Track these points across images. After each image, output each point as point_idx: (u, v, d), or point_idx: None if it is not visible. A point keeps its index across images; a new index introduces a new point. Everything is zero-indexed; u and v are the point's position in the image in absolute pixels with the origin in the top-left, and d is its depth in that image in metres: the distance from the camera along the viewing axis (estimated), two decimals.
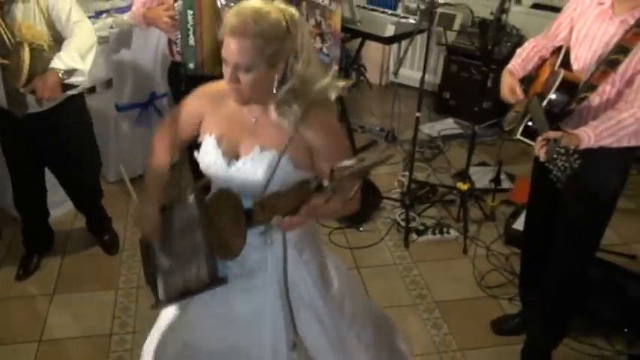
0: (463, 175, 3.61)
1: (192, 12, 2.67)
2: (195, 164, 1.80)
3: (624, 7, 2.10)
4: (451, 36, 4.88)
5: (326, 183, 1.44)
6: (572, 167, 1.88)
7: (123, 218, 3.45)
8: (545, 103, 2.24)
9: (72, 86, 2.64)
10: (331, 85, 1.68)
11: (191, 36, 2.71)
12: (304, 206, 1.52)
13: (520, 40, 4.46)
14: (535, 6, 4.70)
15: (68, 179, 3.05)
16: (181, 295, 1.76)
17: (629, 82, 2.10)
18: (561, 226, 2.38)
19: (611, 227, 3.43)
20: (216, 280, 1.69)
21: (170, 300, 1.81)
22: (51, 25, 2.61)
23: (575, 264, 2.41)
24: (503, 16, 4.64)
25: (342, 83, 1.73)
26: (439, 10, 4.93)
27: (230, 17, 1.54)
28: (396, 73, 3.14)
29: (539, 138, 2.02)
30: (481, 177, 3.87)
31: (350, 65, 4.99)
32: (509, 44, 4.44)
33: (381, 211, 3.62)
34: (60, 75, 2.55)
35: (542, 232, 2.51)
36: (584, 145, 2.02)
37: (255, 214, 1.58)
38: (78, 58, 2.60)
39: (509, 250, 3.27)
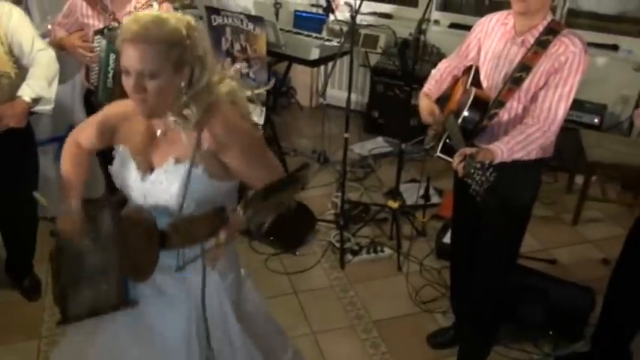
0: (393, 193, 3.73)
1: (114, 56, 2.70)
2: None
3: (525, 27, 2.28)
4: (376, 57, 5.06)
5: (241, 212, 1.47)
6: (488, 181, 2.03)
7: (44, 261, 3.36)
8: (460, 120, 2.39)
9: (34, 114, 2.63)
10: (233, 89, 1.72)
11: (110, 79, 2.75)
12: (226, 235, 1.54)
13: (440, 59, 4.67)
14: (452, 25, 4.95)
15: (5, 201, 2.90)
16: (90, 312, 1.73)
17: (534, 98, 2.27)
18: (483, 237, 2.53)
19: (531, 234, 3.69)
20: (124, 303, 1.68)
21: (78, 317, 1.77)
22: (10, 52, 2.60)
23: (498, 273, 2.57)
24: (424, 36, 4.92)
25: (248, 91, 1.79)
26: (363, 31, 5.14)
27: (129, 24, 1.54)
28: (322, 95, 3.24)
29: (457, 154, 2.15)
30: (412, 193, 4.02)
31: (279, 89, 5.11)
32: (430, 63, 4.65)
33: (316, 234, 3.70)
34: (28, 103, 2.54)
35: (467, 245, 2.65)
36: (498, 160, 2.17)
37: (169, 236, 1.59)
38: (46, 85, 2.61)
39: (441, 263, 3.42)
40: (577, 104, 4.33)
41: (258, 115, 3.98)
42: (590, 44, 4.42)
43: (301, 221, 3.59)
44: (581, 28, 4.73)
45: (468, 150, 2.13)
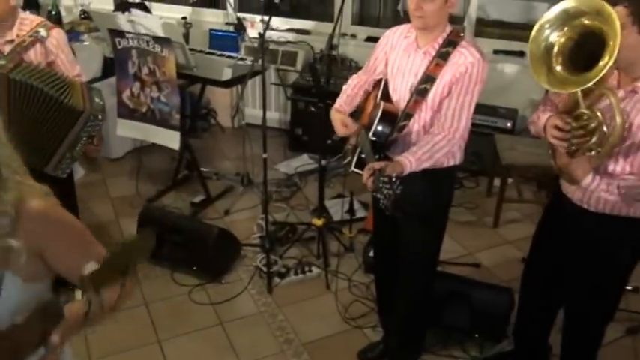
0: (318, 211, 3.77)
1: None
2: None
3: (426, 39, 2.39)
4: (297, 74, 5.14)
5: (79, 295, 1.25)
6: (395, 194, 2.10)
7: None
8: (371, 134, 2.46)
9: None
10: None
11: None
12: (62, 331, 1.28)
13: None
14: (369, 39, 5.07)
15: None
16: None
17: (439, 108, 2.36)
18: (402, 247, 2.62)
19: (455, 240, 3.81)
20: None
21: None
22: None
23: (420, 282, 2.68)
24: (341, 51, 5.01)
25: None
26: (281, 49, 5.20)
27: None
28: (234, 117, 3.24)
29: (365, 169, 2.22)
30: (338, 209, 4.07)
31: (198, 111, 5.08)
32: (348, 77, 4.74)
33: (242, 259, 3.71)
34: None
35: (390, 257, 2.72)
36: (407, 171, 2.26)
37: None
38: None
39: (370, 278, 3.50)
40: (491, 110, 4.54)
41: (172, 140, 3.95)
42: (500, 52, 4.72)
43: (224, 248, 3.56)
44: (489, 36, 4.98)
45: (377, 164, 2.21)
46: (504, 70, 4.66)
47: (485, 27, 5.19)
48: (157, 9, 5.84)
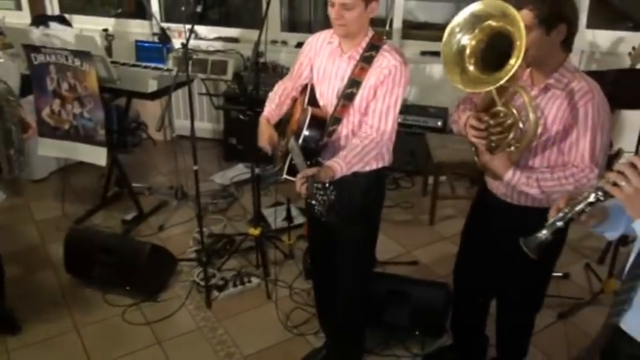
0: (254, 220, 3.82)
1: None
2: None
3: (349, 44, 2.49)
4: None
5: None
6: (329, 200, 2.19)
7: None
8: (300, 140, 2.54)
9: None
10: None
11: None
12: None
13: None
14: (300, 45, 5.14)
15: None
16: None
17: (366, 111, 2.46)
18: (338, 250, 2.72)
19: (393, 239, 3.93)
20: None
21: None
22: None
23: (358, 283, 2.77)
24: (272, 58, 5.09)
25: None
26: (211, 58, 5.24)
27: None
28: (159, 130, 3.24)
29: (298, 177, 2.29)
30: (276, 217, 4.12)
31: (126, 125, 5.05)
32: None
33: (178, 275, 3.72)
34: None
35: (326, 261, 2.81)
36: (338, 175, 2.35)
37: None
38: None
39: (310, 284, 3.56)
40: (422, 110, 4.71)
41: (99, 157, 3.93)
42: (427, 53, 4.88)
43: (158, 265, 3.57)
44: (418, 38, 5.15)
45: (309, 171, 2.28)
46: (433, 71, 4.85)
47: (414, 29, 5.37)
48: (79, 21, 5.79)
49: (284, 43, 5.41)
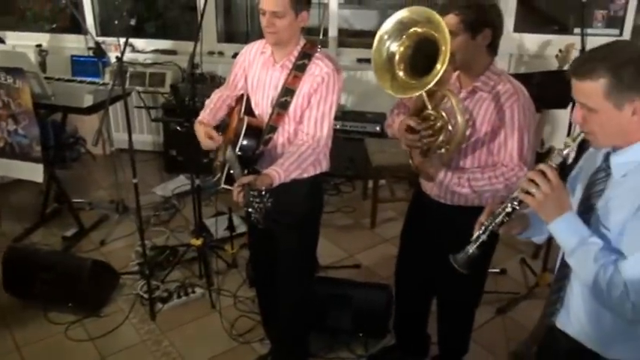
0: (196, 231, 3.76)
1: None
2: None
3: (281, 54, 2.49)
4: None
5: None
6: (266, 207, 2.17)
7: None
8: (237, 149, 2.51)
9: None
10: None
11: None
12: None
13: None
14: (236, 55, 5.09)
15: None
16: None
17: (301, 119, 2.46)
18: (279, 257, 2.71)
19: (336, 244, 3.93)
20: None
21: None
22: None
23: (300, 288, 2.77)
24: (209, 69, 5.04)
25: None
26: (148, 70, 5.15)
27: None
28: (95, 144, 3.15)
29: (235, 185, 2.27)
30: (219, 227, 4.07)
31: (64, 140, 4.92)
32: None
33: (121, 289, 3.63)
34: None
35: (268, 268, 2.81)
36: (276, 182, 2.34)
37: None
38: None
39: (254, 292, 3.49)
40: (360, 116, 4.75)
41: (35, 173, 3.80)
42: (363, 60, 4.92)
43: (100, 280, 3.47)
44: (353, 45, 5.18)
45: (246, 179, 2.26)
46: (369, 77, 4.87)
47: (350, 37, 5.42)
48: (13, 38, 5.60)
49: (221, 53, 5.37)
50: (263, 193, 2.18)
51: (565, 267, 1.74)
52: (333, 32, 5.05)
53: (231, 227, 3.92)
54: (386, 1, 6.01)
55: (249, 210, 2.20)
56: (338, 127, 4.71)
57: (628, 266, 1.53)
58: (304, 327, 2.87)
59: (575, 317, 1.79)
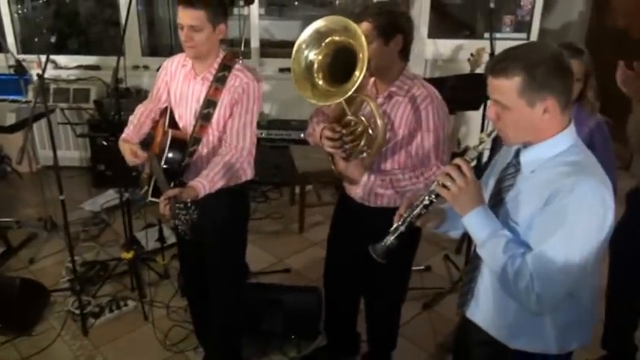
0: (127, 244, 3.63)
1: None
2: None
3: (202, 66, 2.43)
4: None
5: None
6: (191, 218, 2.11)
7: None
8: (163, 162, 2.43)
9: None
10: None
11: None
12: None
13: None
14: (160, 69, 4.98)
15: None
16: None
17: (224, 129, 2.40)
18: (208, 265, 2.65)
19: (265, 250, 3.88)
20: None
21: None
22: None
23: (230, 295, 2.71)
24: (134, 83, 4.89)
25: None
26: (72, 86, 4.95)
27: None
28: (19, 162, 2.99)
29: (161, 199, 2.19)
30: (150, 239, 3.95)
31: None
32: None
33: (52, 307, 3.45)
34: None
35: (198, 276, 2.75)
36: (202, 194, 2.28)
37: None
38: None
39: (187, 301, 3.39)
40: (284, 124, 4.72)
41: None
42: (286, 69, 4.89)
43: (30, 298, 3.29)
44: (275, 56, 5.15)
45: (171, 192, 2.21)
46: (292, 86, 4.81)
47: (271, 48, 5.38)
48: None
49: (146, 67, 5.23)
50: (189, 205, 2.15)
51: (476, 259, 1.77)
52: (255, 43, 5.01)
53: (161, 238, 3.81)
54: (306, 12, 6.02)
55: (176, 222, 2.15)
56: (263, 135, 4.67)
57: (534, 258, 1.56)
58: (236, 333, 2.81)
59: (483, 307, 1.82)
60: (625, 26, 5.38)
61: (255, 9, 4.93)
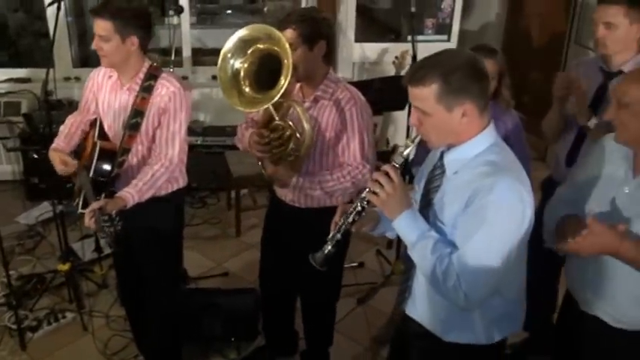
0: (63, 255, 3.50)
1: None
2: None
3: (127, 77, 2.37)
4: None
5: None
6: (116, 231, 2.06)
7: None
8: (92, 174, 2.36)
9: None
10: None
11: None
12: None
13: None
14: None
15: None
16: None
17: (153, 139, 2.35)
18: (143, 273, 2.60)
19: (203, 255, 3.82)
20: None
21: None
22: None
23: (166, 302, 2.66)
24: (66, 94, 4.72)
25: None
26: (2, 100, 4.73)
27: None
28: None
29: (87, 211, 2.12)
30: (87, 249, 3.82)
31: None
32: None
33: None
34: None
35: (134, 285, 2.69)
36: (130, 204, 2.23)
37: None
38: None
39: None
40: (219, 130, 4.66)
41: None
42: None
43: None
44: (206, 64, 5.08)
45: (96, 204, 2.17)
46: (220, 94, 4.79)
47: (204, 56, 5.30)
48: None
49: (77, 79, 5.04)
50: (113, 217, 2.10)
51: (411, 259, 1.79)
52: (187, 52, 4.92)
53: (98, 249, 3.71)
54: (237, 20, 5.97)
55: (102, 235, 2.11)
56: (199, 142, 4.60)
57: (459, 258, 1.59)
58: (175, 339, 2.76)
59: (419, 304, 1.85)
60: (537, 27, 5.59)
61: (186, 18, 4.84)
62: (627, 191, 1.77)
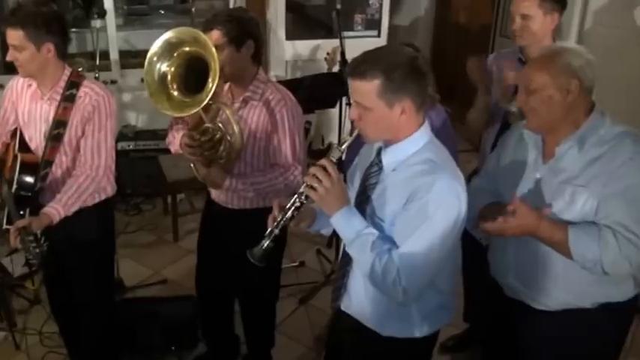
0: None
1: None
2: None
3: (47, 85, 2.29)
4: None
5: None
6: (42, 251, 2.00)
7: None
8: (14, 188, 2.27)
9: None
10: None
11: None
12: None
13: None
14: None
15: None
16: None
17: (78, 149, 2.27)
18: (75, 286, 2.52)
19: (140, 263, 3.74)
20: None
21: None
22: None
23: (99, 313, 2.61)
24: None
25: None
26: None
27: None
28: None
29: (11, 231, 2.04)
30: (16, 264, 3.64)
31: None
32: None
33: None
34: None
35: (65, 299, 2.62)
36: (56, 219, 2.19)
37: None
38: None
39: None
40: (151, 134, 4.56)
41: None
42: None
43: None
44: (136, 66, 4.92)
45: (21, 222, 2.12)
46: None
47: (132, 58, 5.14)
48: None
49: (1, 86, 4.80)
50: (39, 237, 2.05)
51: (347, 256, 1.81)
52: (114, 55, 4.76)
53: (28, 263, 3.52)
54: (166, 20, 5.82)
55: (27, 255, 2.05)
56: (132, 147, 4.47)
57: (400, 254, 1.62)
58: (111, 351, 2.67)
59: (356, 300, 1.87)
60: (465, 20, 5.73)
61: (111, 21, 4.68)
62: (538, 176, 1.84)
